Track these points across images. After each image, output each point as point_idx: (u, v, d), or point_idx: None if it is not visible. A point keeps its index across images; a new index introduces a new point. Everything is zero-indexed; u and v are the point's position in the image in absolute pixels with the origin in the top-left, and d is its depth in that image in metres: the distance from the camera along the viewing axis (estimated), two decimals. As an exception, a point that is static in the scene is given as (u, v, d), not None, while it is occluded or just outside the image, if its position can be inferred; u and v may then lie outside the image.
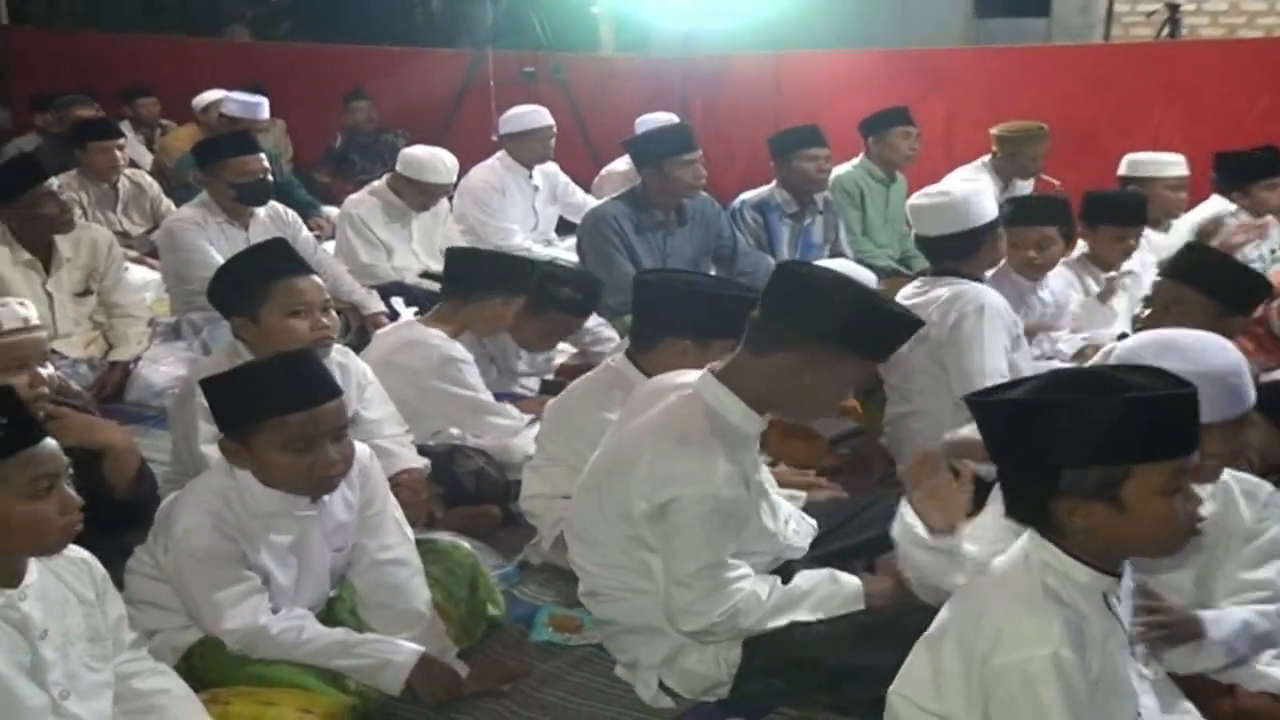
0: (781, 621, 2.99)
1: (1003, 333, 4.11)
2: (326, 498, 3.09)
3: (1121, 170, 6.06)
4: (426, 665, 3.03)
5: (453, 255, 4.73)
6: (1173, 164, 6.00)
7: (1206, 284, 3.81)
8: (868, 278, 4.81)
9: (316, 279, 3.82)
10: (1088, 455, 2.15)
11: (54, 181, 5.57)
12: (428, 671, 3.03)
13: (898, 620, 2.93)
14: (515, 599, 3.68)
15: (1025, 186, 6.96)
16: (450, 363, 4.37)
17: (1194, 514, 2.22)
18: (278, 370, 3.01)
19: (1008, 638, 2.18)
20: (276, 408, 2.91)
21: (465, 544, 3.61)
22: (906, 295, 4.31)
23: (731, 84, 9.06)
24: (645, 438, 2.97)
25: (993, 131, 6.91)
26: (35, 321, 3.42)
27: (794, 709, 3.08)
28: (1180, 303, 3.81)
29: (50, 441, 2.45)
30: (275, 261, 3.78)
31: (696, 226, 6.03)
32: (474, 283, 4.51)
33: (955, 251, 4.24)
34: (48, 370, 3.49)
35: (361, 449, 3.19)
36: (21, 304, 3.46)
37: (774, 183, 6.44)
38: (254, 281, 3.71)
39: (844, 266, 4.82)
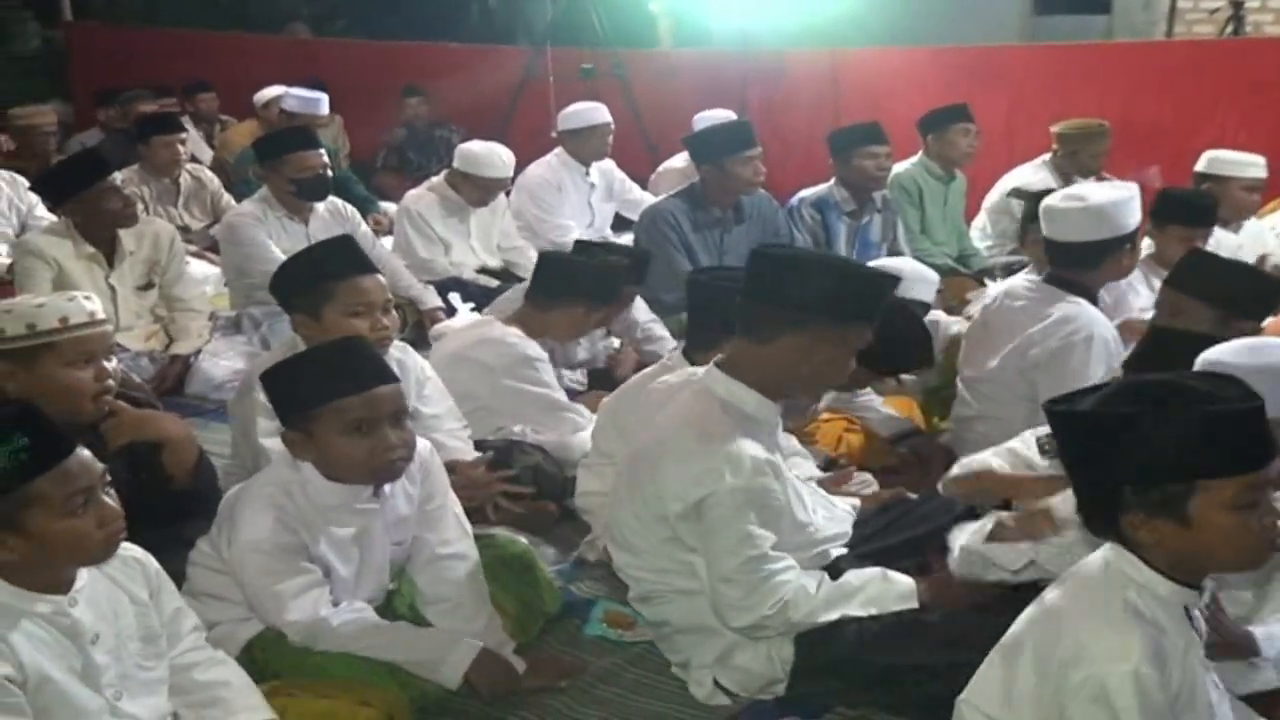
0: (833, 615, 2.98)
1: (1103, 365, 3.95)
2: (388, 489, 3.10)
3: (1199, 166, 5.96)
4: (485, 660, 3.04)
5: (545, 260, 4.73)
6: (1252, 165, 5.89)
7: (1204, 291, 3.75)
8: (930, 277, 4.76)
9: (380, 279, 3.83)
10: (1148, 473, 2.12)
11: (118, 176, 5.63)
12: (486, 666, 3.04)
13: (951, 620, 2.95)
14: (570, 594, 3.68)
15: None
16: (526, 362, 4.39)
17: (1272, 528, 2.16)
18: (332, 356, 3.03)
19: (1086, 653, 2.15)
20: (333, 392, 2.92)
21: (522, 539, 3.62)
22: (1014, 293, 4.23)
23: (789, 80, 9.00)
24: (666, 439, 2.98)
25: (1053, 129, 6.84)
26: (101, 315, 3.45)
27: (848, 707, 3.07)
28: (1182, 311, 3.75)
29: (82, 453, 2.43)
30: (340, 260, 3.80)
31: (754, 224, 6.01)
32: (561, 290, 4.50)
33: (1080, 261, 4.07)
34: (113, 364, 3.51)
35: (422, 444, 3.20)
36: (88, 298, 3.48)
37: (832, 180, 6.39)
38: (318, 279, 3.73)
39: (906, 265, 4.78)
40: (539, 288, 4.55)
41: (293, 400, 3.00)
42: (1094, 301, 4.12)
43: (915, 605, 3.03)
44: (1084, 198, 4.10)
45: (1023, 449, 3.37)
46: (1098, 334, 3.98)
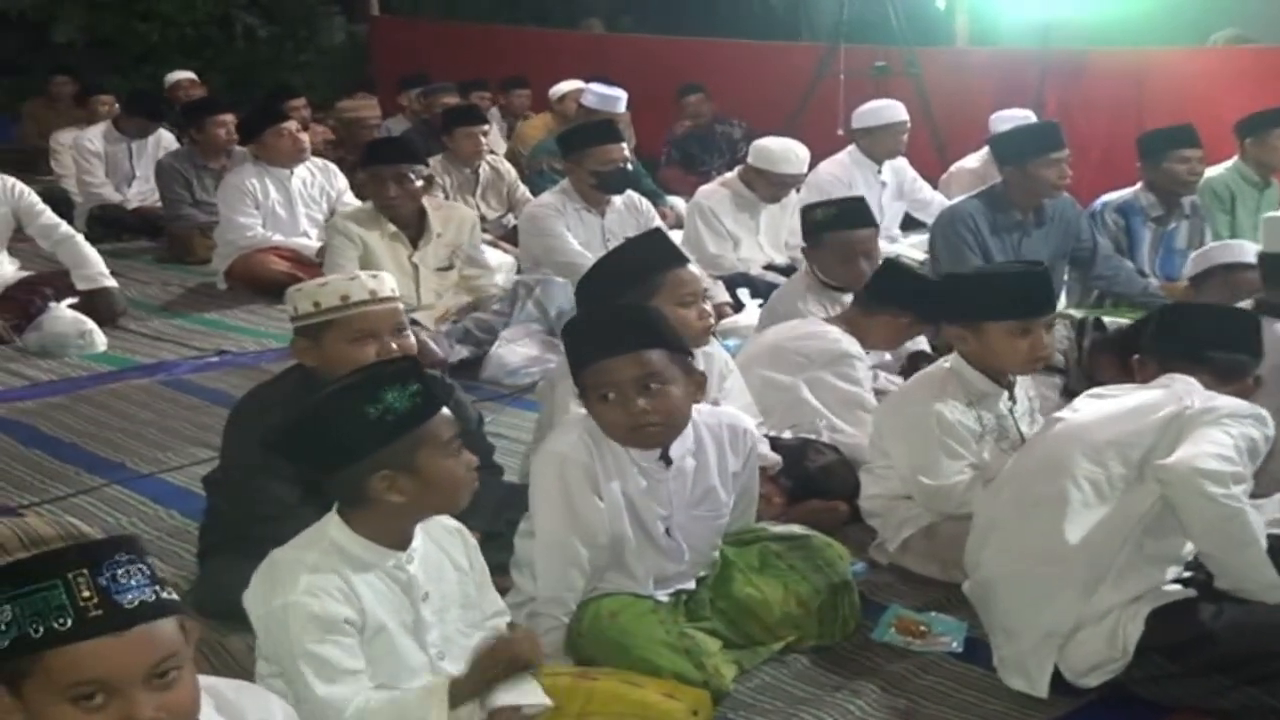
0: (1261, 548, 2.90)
1: None
2: (677, 458, 3.13)
3: None
4: None
5: (887, 266, 4.70)
6: None
7: None
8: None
9: (696, 269, 3.88)
10: None
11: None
12: None
13: None
14: (863, 597, 3.62)
15: None
16: (845, 358, 4.40)
17: None
18: (597, 320, 3.18)
19: None
20: (589, 358, 3.02)
21: (838, 545, 3.53)
22: None
23: (1090, 80, 8.71)
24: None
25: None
26: (386, 294, 3.44)
27: (1178, 691, 2.95)
28: None
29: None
30: (660, 253, 3.84)
31: (1055, 228, 5.84)
32: (893, 297, 4.48)
33: None
34: (409, 341, 3.48)
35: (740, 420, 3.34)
36: (374, 276, 3.48)
37: (1139, 184, 6.19)
38: (642, 273, 3.73)
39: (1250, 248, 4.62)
40: (872, 292, 4.55)
41: (571, 359, 3.14)
42: None
43: None
44: None
45: None
46: None
